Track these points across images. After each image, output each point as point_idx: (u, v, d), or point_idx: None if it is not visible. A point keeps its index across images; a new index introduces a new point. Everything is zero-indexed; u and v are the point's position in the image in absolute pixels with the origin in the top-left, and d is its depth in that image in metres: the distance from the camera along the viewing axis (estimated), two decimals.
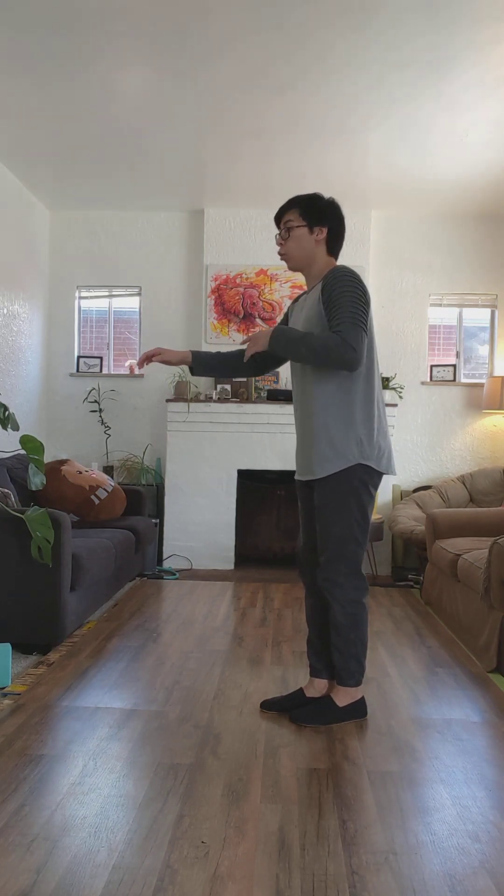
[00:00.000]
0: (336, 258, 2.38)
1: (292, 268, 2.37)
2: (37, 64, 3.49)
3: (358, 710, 2.37)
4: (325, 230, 2.32)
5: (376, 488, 2.33)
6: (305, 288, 2.45)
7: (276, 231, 2.43)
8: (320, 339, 2.16)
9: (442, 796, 1.86)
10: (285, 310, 2.56)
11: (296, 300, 2.49)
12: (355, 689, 2.37)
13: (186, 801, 1.80)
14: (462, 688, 2.72)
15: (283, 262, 5.36)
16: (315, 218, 2.30)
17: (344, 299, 2.17)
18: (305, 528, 2.48)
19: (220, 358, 2.53)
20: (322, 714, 2.33)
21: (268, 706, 2.44)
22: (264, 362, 2.55)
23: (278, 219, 2.36)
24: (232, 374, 2.55)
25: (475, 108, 3.84)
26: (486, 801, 1.84)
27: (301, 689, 2.47)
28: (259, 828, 1.68)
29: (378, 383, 2.32)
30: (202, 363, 2.50)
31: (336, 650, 2.36)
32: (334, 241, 2.35)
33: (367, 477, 2.28)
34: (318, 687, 2.47)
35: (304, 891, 1.44)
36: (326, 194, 5.12)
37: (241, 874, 1.49)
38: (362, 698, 2.39)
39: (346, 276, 2.21)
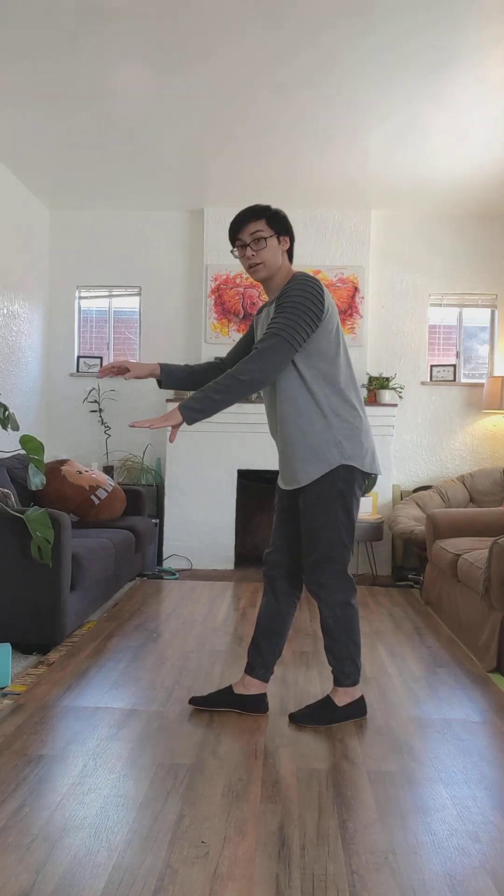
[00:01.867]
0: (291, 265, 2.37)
1: (263, 278, 2.31)
2: (37, 64, 3.48)
3: (358, 709, 2.37)
4: (287, 240, 2.32)
5: (361, 488, 2.32)
6: None
7: (232, 247, 2.35)
8: (225, 377, 2.11)
9: (442, 796, 1.86)
10: (251, 323, 2.54)
11: (259, 312, 2.46)
12: (354, 688, 2.37)
13: (186, 801, 1.80)
14: (462, 688, 2.72)
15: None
16: (281, 228, 2.29)
17: (284, 309, 2.16)
18: (279, 531, 2.44)
19: (189, 371, 2.48)
20: (322, 714, 2.33)
21: (197, 702, 2.43)
22: None
23: (240, 230, 2.28)
24: (199, 387, 2.49)
25: (475, 108, 3.84)
26: (486, 801, 1.84)
27: (230, 687, 2.45)
28: (259, 828, 1.68)
29: (352, 383, 2.30)
30: (171, 376, 2.45)
31: (329, 653, 2.35)
32: (291, 250, 2.36)
33: (350, 478, 2.26)
34: (248, 685, 2.43)
35: (304, 891, 1.44)
36: (326, 194, 5.13)
37: (241, 874, 1.49)
38: (361, 697, 2.39)
39: (302, 283, 2.18)
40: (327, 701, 2.36)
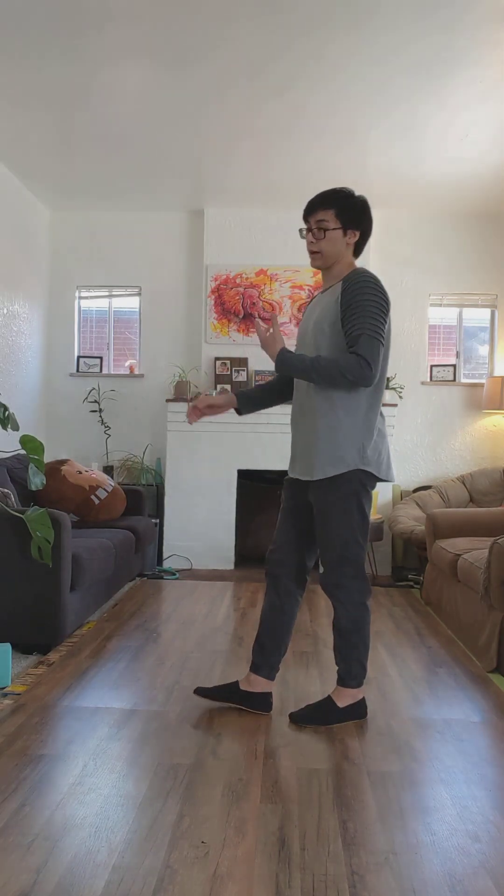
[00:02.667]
0: (357, 258, 2.37)
1: (318, 266, 2.32)
2: (39, 65, 3.48)
3: (358, 711, 2.36)
4: (357, 234, 2.29)
5: (373, 489, 2.34)
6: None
7: (303, 226, 2.38)
8: (332, 363, 2.15)
9: (442, 796, 1.86)
10: (304, 313, 2.55)
11: (311, 300, 2.47)
12: (356, 689, 2.36)
13: (186, 801, 1.80)
14: (462, 688, 2.72)
15: (284, 262, 5.40)
16: (350, 221, 2.26)
17: (364, 309, 2.15)
18: (284, 527, 2.43)
19: (261, 390, 2.53)
20: (323, 714, 2.33)
21: (203, 692, 2.45)
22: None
23: (309, 214, 2.29)
24: (277, 400, 2.56)
25: (475, 108, 3.84)
26: (486, 801, 1.84)
27: (237, 682, 2.46)
28: (259, 828, 1.68)
29: (382, 388, 2.32)
30: (248, 401, 2.50)
31: (338, 653, 2.35)
32: (361, 244, 2.34)
33: (366, 480, 2.28)
34: (253, 683, 2.43)
35: (304, 891, 1.44)
36: None
37: (241, 874, 1.49)
38: (363, 699, 2.39)
39: (369, 281, 2.18)
40: (328, 701, 2.36)
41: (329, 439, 2.24)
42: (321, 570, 2.35)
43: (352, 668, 2.34)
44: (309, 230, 2.30)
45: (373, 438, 2.27)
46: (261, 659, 2.44)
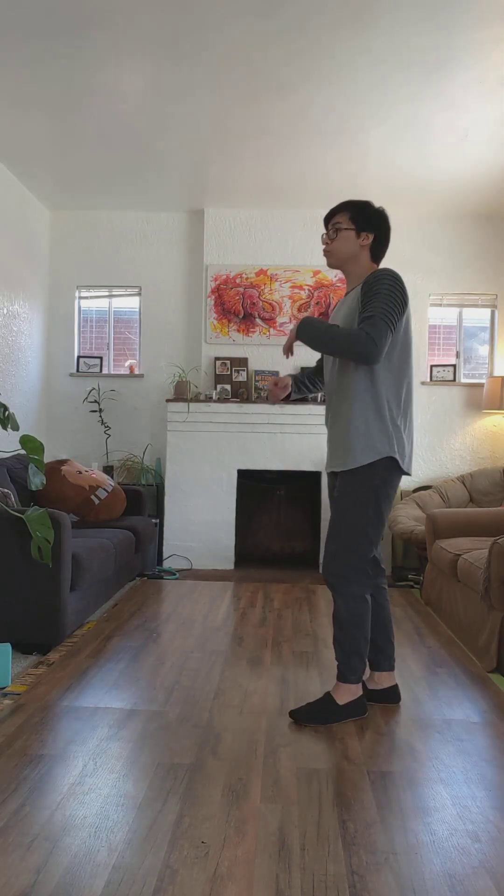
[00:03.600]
0: (379, 263, 2.47)
1: (333, 265, 2.46)
2: (38, 65, 3.49)
3: (358, 709, 2.37)
4: (371, 236, 2.41)
5: (395, 490, 2.38)
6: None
7: (323, 231, 2.56)
8: (344, 331, 2.25)
9: (442, 796, 1.86)
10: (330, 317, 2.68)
11: (340, 301, 2.59)
12: (356, 686, 2.38)
13: (186, 801, 1.80)
14: (462, 688, 2.72)
15: (284, 262, 5.40)
16: (363, 223, 2.40)
17: (379, 297, 2.25)
18: None
19: (303, 375, 2.67)
20: (322, 712, 2.33)
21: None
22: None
23: (328, 219, 2.46)
24: (319, 388, 2.71)
25: (475, 108, 3.84)
26: (486, 801, 1.84)
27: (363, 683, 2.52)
28: (259, 828, 1.68)
29: (411, 385, 2.39)
30: (299, 385, 2.66)
31: (338, 646, 2.37)
32: (378, 248, 2.44)
33: (389, 476, 2.32)
34: (379, 680, 2.53)
35: (304, 891, 1.44)
36: (327, 194, 5.13)
37: (241, 874, 1.49)
38: (362, 696, 2.39)
39: (387, 276, 2.29)
40: (328, 698, 2.37)
41: (361, 427, 2.31)
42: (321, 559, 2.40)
43: (351, 661, 2.35)
44: (326, 233, 2.47)
45: (400, 430, 2.34)
46: (377, 656, 2.51)
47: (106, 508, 4.31)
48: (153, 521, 4.89)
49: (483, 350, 5.61)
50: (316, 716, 2.33)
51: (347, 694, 2.36)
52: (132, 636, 3.33)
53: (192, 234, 5.63)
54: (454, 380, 5.52)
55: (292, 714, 2.35)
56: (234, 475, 5.16)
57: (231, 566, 5.16)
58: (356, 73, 3.53)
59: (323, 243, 2.48)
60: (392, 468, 2.32)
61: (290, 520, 5.33)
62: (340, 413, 2.37)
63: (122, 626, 3.51)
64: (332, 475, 2.52)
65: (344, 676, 2.37)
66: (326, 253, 2.46)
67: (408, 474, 2.39)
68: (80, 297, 5.75)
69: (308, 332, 2.32)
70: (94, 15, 3.09)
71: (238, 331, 5.44)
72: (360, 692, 2.39)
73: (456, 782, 1.94)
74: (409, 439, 2.38)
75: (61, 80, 3.64)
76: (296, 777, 1.95)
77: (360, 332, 2.22)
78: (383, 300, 2.24)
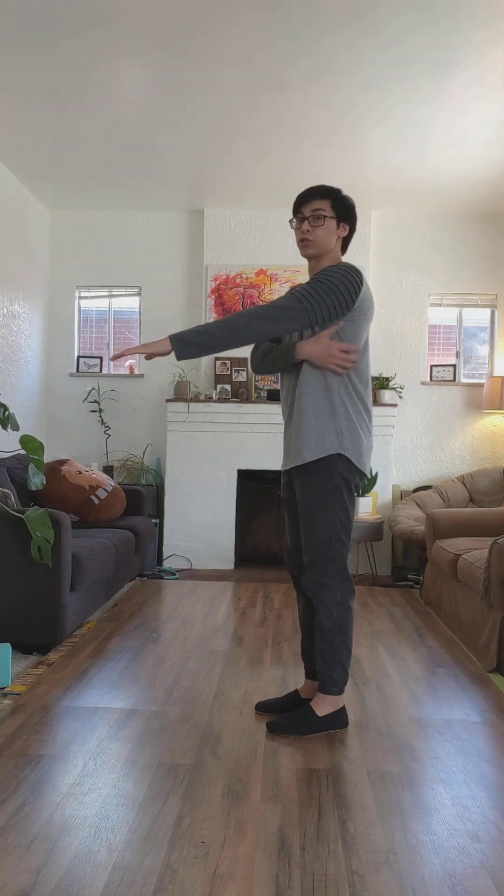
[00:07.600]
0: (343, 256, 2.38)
1: (310, 255, 2.30)
2: (38, 64, 3.49)
3: (338, 720, 2.28)
4: (347, 227, 2.33)
5: (357, 488, 2.30)
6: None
7: (293, 217, 2.34)
8: (249, 312, 2.10)
9: (442, 796, 1.86)
10: None
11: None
12: (337, 697, 2.28)
13: (186, 801, 1.80)
14: (462, 688, 2.72)
15: (284, 262, 5.40)
16: (343, 213, 2.30)
17: (323, 278, 2.16)
18: (290, 525, 2.43)
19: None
20: (301, 723, 2.24)
21: (263, 707, 2.42)
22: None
23: (302, 203, 2.29)
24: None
25: (475, 108, 3.84)
26: (486, 801, 1.84)
27: (296, 691, 2.45)
28: (259, 828, 1.68)
29: (366, 382, 2.29)
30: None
31: (320, 656, 2.27)
32: (348, 241, 2.37)
33: (348, 474, 2.24)
34: (312, 688, 2.44)
35: (304, 891, 1.44)
36: None
37: (241, 874, 1.49)
38: (343, 707, 2.30)
39: (344, 266, 2.19)
40: (307, 709, 2.28)
41: (309, 424, 2.23)
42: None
43: (333, 673, 2.25)
44: (302, 219, 2.29)
45: (353, 426, 2.24)
46: (310, 663, 2.44)
47: (106, 508, 4.31)
48: (153, 521, 4.89)
49: (483, 350, 5.61)
50: (292, 727, 2.24)
51: (328, 706, 2.27)
52: (132, 636, 3.32)
53: (192, 234, 5.63)
54: (454, 380, 5.52)
55: (269, 726, 2.26)
56: (234, 475, 5.16)
57: (231, 566, 5.15)
58: (356, 73, 3.53)
59: (301, 230, 2.28)
60: (352, 469, 2.24)
61: None
62: (295, 411, 2.28)
63: (122, 626, 3.50)
64: (288, 483, 2.41)
65: (325, 688, 2.26)
66: (307, 242, 2.27)
67: (366, 475, 2.31)
68: (80, 297, 5.75)
69: (189, 345, 2.08)
70: (94, 15, 3.09)
71: None
72: (341, 703, 2.30)
73: (456, 782, 1.94)
74: (367, 439, 2.29)
75: (61, 80, 3.64)
76: (296, 777, 1.95)
77: (262, 313, 2.09)
78: (326, 282, 2.13)
